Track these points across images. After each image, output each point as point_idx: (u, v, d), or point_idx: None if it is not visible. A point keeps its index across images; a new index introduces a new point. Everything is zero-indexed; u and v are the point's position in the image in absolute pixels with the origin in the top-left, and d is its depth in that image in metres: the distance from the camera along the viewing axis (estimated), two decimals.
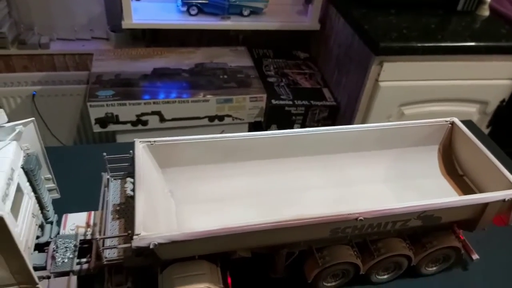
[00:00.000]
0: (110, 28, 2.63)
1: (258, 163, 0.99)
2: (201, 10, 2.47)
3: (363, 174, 1.03)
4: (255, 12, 2.53)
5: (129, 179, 0.85)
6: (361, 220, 0.78)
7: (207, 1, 2.44)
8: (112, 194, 0.88)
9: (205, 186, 0.95)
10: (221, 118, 2.36)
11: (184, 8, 2.45)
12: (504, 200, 0.84)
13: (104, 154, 0.86)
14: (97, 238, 0.78)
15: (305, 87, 2.51)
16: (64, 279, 0.82)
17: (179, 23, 2.45)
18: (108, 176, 0.89)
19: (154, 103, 2.21)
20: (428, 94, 2.25)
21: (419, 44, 2.05)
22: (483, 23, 2.30)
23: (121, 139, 2.32)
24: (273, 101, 2.34)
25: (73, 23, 2.60)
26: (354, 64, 2.27)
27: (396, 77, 2.14)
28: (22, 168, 0.78)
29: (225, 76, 2.40)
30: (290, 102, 2.37)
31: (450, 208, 0.84)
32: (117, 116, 2.21)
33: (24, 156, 0.79)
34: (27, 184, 0.81)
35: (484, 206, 0.87)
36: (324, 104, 2.42)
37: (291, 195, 0.98)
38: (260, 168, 0.99)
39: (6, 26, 2.39)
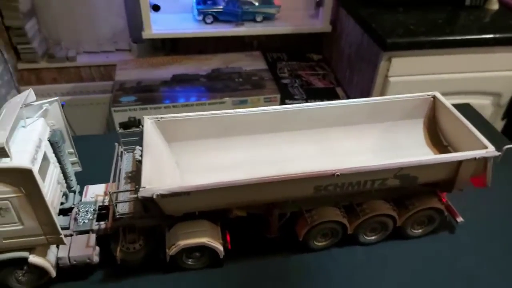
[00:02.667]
0: (132, 40, 2.79)
1: (256, 137, 1.08)
2: (216, 18, 2.60)
3: (353, 146, 1.11)
4: (267, 18, 2.64)
5: (138, 147, 0.96)
6: (338, 176, 0.86)
7: (221, 10, 2.57)
8: (125, 163, 0.99)
9: (207, 158, 1.05)
10: None
11: (200, 17, 2.58)
12: (475, 159, 0.90)
13: (118, 128, 0.97)
14: (109, 192, 0.88)
15: (319, 87, 2.59)
16: (85, 236, 0.93)
17: (195, 32, 2.58)
18: (121, 149, 1.01)
19: (173, 106, 2.32)
20: (438, 88, 2.26)
21: (426, 39, 2.10)
22: (492, 16, 2.34)
23: None
24: (287, 101, 2.43)
25: (98, 37, 2.77)
26: (365, 62, 2.34)
27: (405, 72, 2.20)
28: (49, 140, 0.90)
29: (240, 79, 2.51)
30: (304, 102, 2.45)
31: (423, 166, 0.90)
32: (139, 120, 2.34)
33: (50, 131, 0.91)
34: (53, 155, 0.93)
35: (458, 165, 0.93)
36: None
37: (286, 165, 1.05)
38: (257, 141, 1.08)
39: (37, 41, 2.58)
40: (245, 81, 2.49)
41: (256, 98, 2.39)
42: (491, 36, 2.14)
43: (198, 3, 2.58)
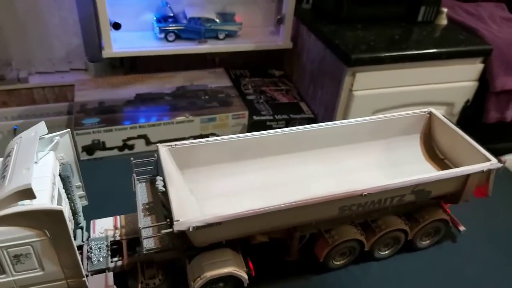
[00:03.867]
0: (88, 59, 2.69)
1: (266, 159, 1.08)
2: (178, 36, 2.56)
3: (357, 163, 1.15)
4: (230, 35, 2.65)
5: (158, 177, 0.92)
6: (365, 195, 0.88)
7: (183, 27, 2.54)
8: (140, 194, 0.95)
9: (221, 183, 1.03)
10: (205, 137, 2.42)
11: (162, 35, 2.53)
12: (482, 171, 0.97)
13: (132, 158, 0.93)
14: (139, 228, 0.84)
15: (283, 102, 2.62)
16: (102, 275, 0.87)
17: (158, 50, 2.52)
18: (135, 179, 0.96)
19: (139, 127, 2.26)
20: (398, 100, 2.40)
21: (386, 54, 2.21)
22: (443, 31, 2.50)
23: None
24: (255, 117, 2.44)
25: (51, 56, 2.64)
26: (328, 77, 2.41)
27: (368, 86, 2.29)
28: (60, 175, 0.84)
29: (207, 97, 2.49)
30: (271, 117, 2.47)
31: (438, 181, 0.95)
32: (103, 142, 2.25)
33: (60, 165, 0.85)
34: (63, 190, 0.87)
35: (466, 178, 0.99)
36: (303, 116, 2.53)
37: (297, 186, 1.07)
38: (267, 163, 1.08)
39: None
40: (211, 99, 2.47)
41: (225, 115, 2.38)
42: (444, 50, 2.28)
43: (158, 21, 2.54)
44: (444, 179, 0.93)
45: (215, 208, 0.84)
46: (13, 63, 2.56)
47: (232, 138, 1.03)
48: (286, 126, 2.48)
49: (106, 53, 2.41)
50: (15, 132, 2.55)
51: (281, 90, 2.73)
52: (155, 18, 2.56)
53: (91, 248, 0.90)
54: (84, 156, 2.25)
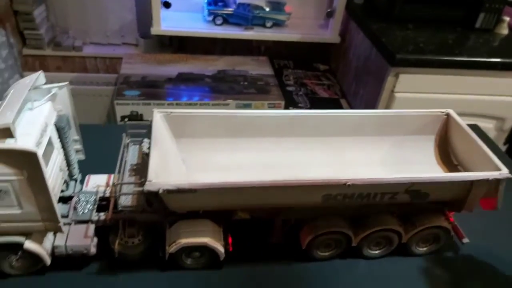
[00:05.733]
0: (140, 35, 2.78)
1: (265, 140, 1.06)
2: (226, 20, 2.59)
3: (361, 157, 1.09)
4: (277, 24, 2.64)
5: (146, 140, 0.94)
6: (349, 186, 0.84)
7: (232, 12, 2.56)
8: (131, 155, 0.98)
9: (215, 158, 1.03)
10: None
11: (210, 18, 2.57)
12: (487, 180, 0.89)
13: (126, 119, 0.96)
14: (114, 183, 0.86)
15: (323, 97, 2.58)
16: (83, 226, 0.91)
17: (204, 32, 2.57)
18: (128, 141, 0.99)
19: (177, 104, 2.31)
20: (443, 107, 2.27)
21: (435, 57, 2.10)
22: (501, 41, 2.35)
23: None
24: (291, 108, 2.42)
25: (106, 29, 2.76)
26: (372, 76, 2.34)
27: (411, 88, 2.19)
28: (55, 125, 0.88)
29: (246, 83, 2.50)
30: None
31: (436, 183, 0.88)
32: (141, 115, 2.31)
33: (57, 116, 0.89)
34: (58, 141, 0.91)
35: (470, 185, 0.91)
36: None
37: (292, 171, 1.05)
38: (266, 144, 1.06)
39: (44, 28, 2.56)
40: (250, 85, 2.48)
41: (260, 103, 2.38)
42: (499, 60, 2.14)
43: (209, 4, 2.57)
44: (442, 182, 0.87)
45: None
46: (70, 31, 2.71)
47: (230, 113, 1.02)
48: None
49: (154, 30, 2.49)
50: None
51: (323, 84, 2.68)
52: (206, 0, 2.60)
53: (79, 200, 0.94)
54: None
